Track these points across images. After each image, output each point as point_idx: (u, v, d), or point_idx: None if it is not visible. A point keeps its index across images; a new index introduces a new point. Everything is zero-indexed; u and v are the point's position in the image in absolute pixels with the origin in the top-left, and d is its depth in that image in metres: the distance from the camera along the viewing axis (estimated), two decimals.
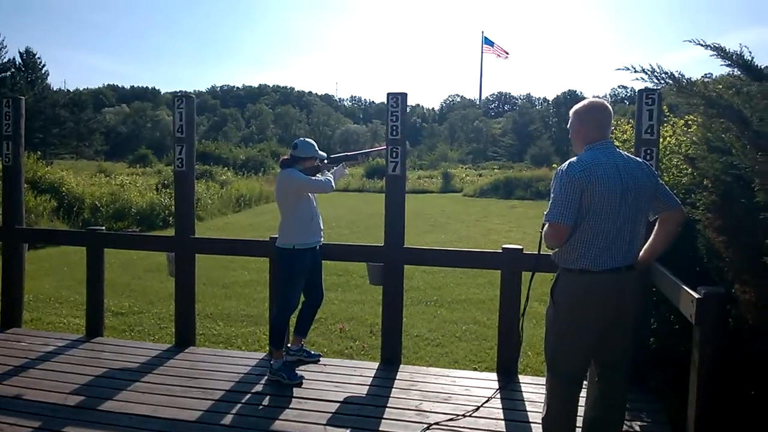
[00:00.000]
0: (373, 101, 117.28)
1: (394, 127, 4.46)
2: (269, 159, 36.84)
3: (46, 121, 51.40)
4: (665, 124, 4.49)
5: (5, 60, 54.71)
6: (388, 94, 4.47)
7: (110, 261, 6.09)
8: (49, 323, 6.35)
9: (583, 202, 2.59)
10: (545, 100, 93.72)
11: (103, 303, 5.36)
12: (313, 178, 4.28)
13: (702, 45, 2.92)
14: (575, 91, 73.71)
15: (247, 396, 3.91)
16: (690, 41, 2.97)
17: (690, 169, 3.50)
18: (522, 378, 4.25)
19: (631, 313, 2.76)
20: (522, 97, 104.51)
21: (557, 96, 76.72)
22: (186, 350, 4.81)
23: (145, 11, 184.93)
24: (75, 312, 6.78)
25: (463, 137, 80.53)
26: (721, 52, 2.89)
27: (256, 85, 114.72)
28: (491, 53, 73.25)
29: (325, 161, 4.44)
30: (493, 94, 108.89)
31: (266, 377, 4.18)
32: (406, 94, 4.45)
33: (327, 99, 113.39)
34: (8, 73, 54.01)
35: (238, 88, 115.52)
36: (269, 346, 4.49)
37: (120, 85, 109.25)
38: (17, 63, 56.59)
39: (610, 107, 2.81)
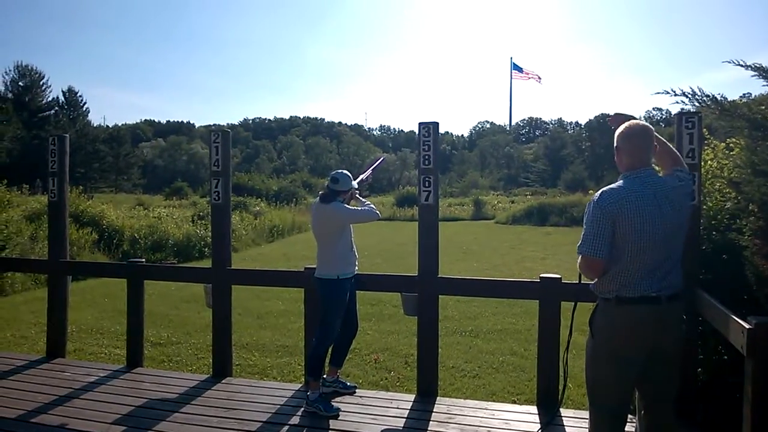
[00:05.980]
0: (402, 130, 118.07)
1: (426, 157, 4.46)
2: (301, 189, 37.29)
3: (87, 156, 53.27)
4: (706, 148, 4.39)
5: (50, 99, 57.19)
6: (420, 124, 4.48)
7: (148, 291, 6.18)
8: (92, 354, 6.47)
9: (617, 232, 2.51)
10: (577, 124, 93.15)
11: (143, 334, 5.43)
12: (358, 209, 4.32)
13: (742, 65, 2.86)
14: (608, 114, 72.61)
15: (284, 428, 3.89)
16: (729, 62, 2.92)
17: (734, 194, 3.40)
18: (564, 412, 4.12)
19: (674, 343, 2.65)
20: (553, 122, 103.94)
21: (590, 120, 75.69)
22: (223, 381, 4.83)
23: (181, 50, 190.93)
24: (116, 342, 6.90)
25: (493, 163, 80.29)
26: (762, 72, 2.83)
27: (287, 117, 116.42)
28: (520, 79, 73.38)
29: (357, 189, 4.48)
30: (524, 119, 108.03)
31: (302, 409, 4.16)
32: (437, 124, 4.46)
33: (356, 129, 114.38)
34: (52, 111, 56.39)
35: (269, 120, 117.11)
36: (306, 376, 4.46)
37: (156, 120, 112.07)
38: (60, 101, 59.00)
39: (649, 128, 2.69)
